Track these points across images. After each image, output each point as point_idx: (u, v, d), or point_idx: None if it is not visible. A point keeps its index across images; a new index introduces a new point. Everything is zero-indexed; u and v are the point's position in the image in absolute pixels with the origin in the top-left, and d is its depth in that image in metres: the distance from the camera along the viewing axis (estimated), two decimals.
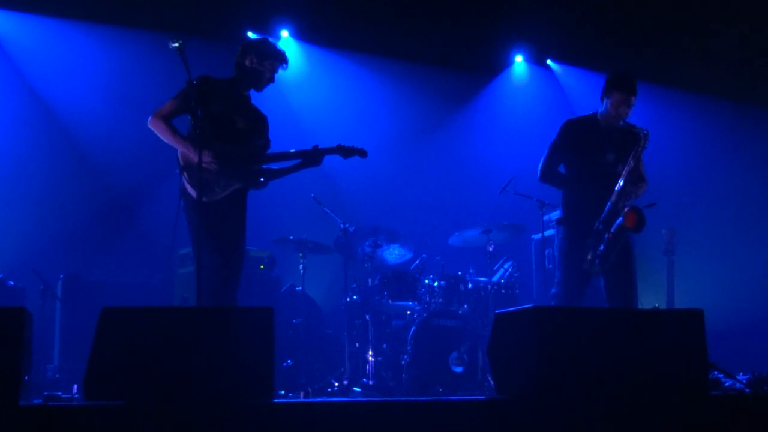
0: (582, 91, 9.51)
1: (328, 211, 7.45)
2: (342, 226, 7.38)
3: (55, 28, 8.26)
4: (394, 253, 7.74)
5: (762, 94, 8.87)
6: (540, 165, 5.68)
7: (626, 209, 5.29)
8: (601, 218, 5.38)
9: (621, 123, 5.47)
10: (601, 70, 9.33)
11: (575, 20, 8.77)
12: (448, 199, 9.24)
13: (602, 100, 5.58)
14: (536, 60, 9.89)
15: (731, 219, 8.99)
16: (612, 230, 5.32)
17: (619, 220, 5.29)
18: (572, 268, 5.51)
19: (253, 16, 8.79)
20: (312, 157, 5.31)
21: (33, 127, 8.21)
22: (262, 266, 7.54)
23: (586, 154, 5.53)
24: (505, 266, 7.72)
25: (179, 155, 4.96)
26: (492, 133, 9.80)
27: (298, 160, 5.32)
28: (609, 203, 5.37)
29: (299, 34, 9.18)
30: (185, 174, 4.93)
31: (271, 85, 5.32)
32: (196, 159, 4.73)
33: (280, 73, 5.34)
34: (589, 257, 5.40)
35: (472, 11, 8.81)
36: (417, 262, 7.59)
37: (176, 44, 4.58)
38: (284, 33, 9.11)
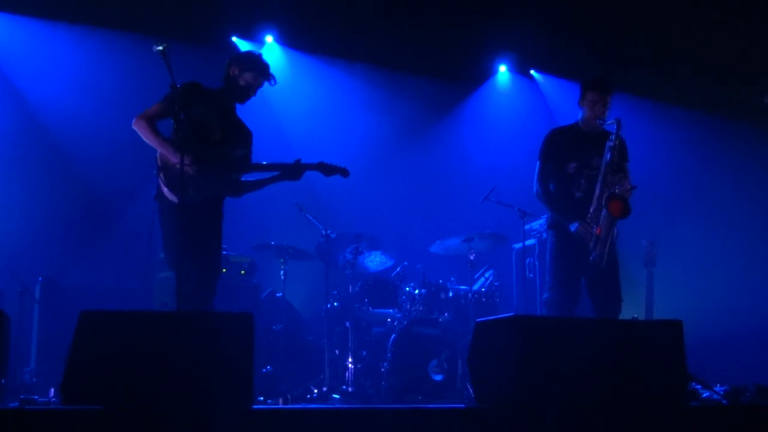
0: (564, 101, 9.54)
1: (310, 218, 7.44)
2: (324, 232, 7.38)
3: (39, 29, 8.20)
4: (375, 261, 7.74)
5: (741, 106, 8.95)
6: (536, 181, 5.67)
7: (608, 199, 5.26)
8: (589, 213, 5.39)
9: (599, 123, 5.49)
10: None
11: (558, 32, 8.82)
12: (430, 207, 9.26)
13: (580, 105, 5.64)
14: (520, 70, 9.93)
15: (711, 231, 9.05)
16: (599, 224, 5.30)
17: (604, 212, 5.27)
18: (564, 272, 5.50)
19: (238, 21, 8.79)
20: (292, 171, 5.33)
21: (13, 128, 8.14)
22: (242, 272, 7.51)
23: (573, 160, 5.55)
24: (486, 275, 7.74)
25: (158, 156, 4.99)
26: (475, 142, 9.83)
27: (278, 172, 5.33)
28: (596, 194, 5.38)
29: (284, 40, 9.18)
30: (162, 175, 4.94)
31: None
32: (174, 161, 4.78)
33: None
34: (590, 257, 5.36)
35: (456, 21, 8.84)
36: (398, 269, 7.60)
37: (160, 47, 4.58)
38: (269, 38, 9.11)
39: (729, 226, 9.04)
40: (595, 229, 5.31)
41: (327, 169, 5.50)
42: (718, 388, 5.29)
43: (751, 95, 8.61)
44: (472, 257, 7.32)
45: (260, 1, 8.53)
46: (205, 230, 5.03)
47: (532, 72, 9.93)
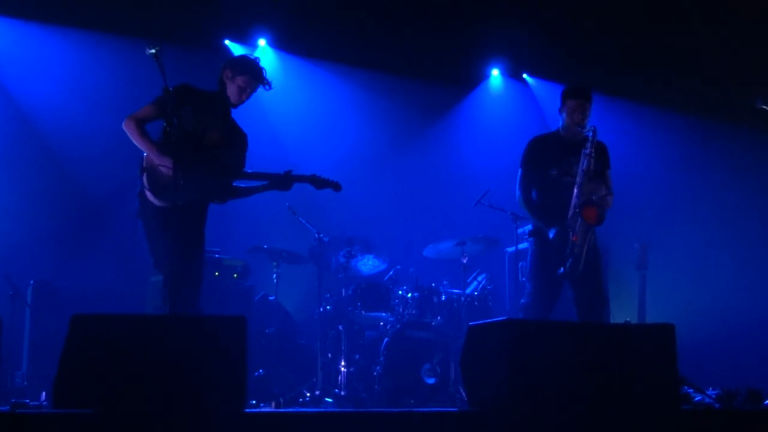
0: (557, 105, 9.55)
1: (303, 221, 7.44)
2: (316, 235, 7.37)
3: (32, 32, 8.18)
4: (368, 264, 7.74)
5: (733, 110, 8.98)
6: (517, 187, 5.76)
7: (582, 206, 5.37)
8: (567, 220, 5.45)
9: (579, 130, 5.57)
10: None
11: (551, 36, 8.84)
12: (423, 210, 9.26)
13: (560, 113, 5.75)
14: (512, 74, 9.94)
15: (703, 235, 9.07)
16: (576, 231, 5.37)
17: (579, 219, 5.37)
18: (543, 280, 5.56)
19: (232, 25, 8.78)
20: (282, 181, 5.27)
21: (5, 130, 8.12)
22: (235, 275, 7.50)
23: (554, 166, 5.63)
24: (479, 279, 7.74)
25: (144, 157, 4.98)
26: (468, 146, 9.83)
27: (267, 181, 5.28)
28: (573, 202, 5.45)
29: (277, 43, 9.17)
30: (145, 177, 4.93)
31: None
32: (157, 163, 4.83)
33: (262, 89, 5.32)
34: (564, 268, 5.42)
35: (449, 25, 8.85)
36: (391, 273, 7.59)
37: (153, 50, 4.57)
38: (262, 42, 9.09)
39: (721, 229, 9.06)
40: (571, 236, 5.38)
41: (318, 183, 5.45)
42: (710, 391, 5.30)
43: (744, 99, 8.64)
44: (464, 261, 7.33)
45: (253, 4, 8.52)
46: (186, 233, 4.96)
47: (524, 76, 9.94)
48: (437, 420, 3.78)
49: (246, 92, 5.21)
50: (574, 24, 8.69)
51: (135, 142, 5.01)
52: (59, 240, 8.06)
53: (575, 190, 5.45)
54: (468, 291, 7.43)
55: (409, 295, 7.23)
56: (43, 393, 5.75)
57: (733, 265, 8.89)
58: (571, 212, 5.43)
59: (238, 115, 5.41)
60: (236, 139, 5.28)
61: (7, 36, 8.18)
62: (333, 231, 7.66)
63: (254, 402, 6.12)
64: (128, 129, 5.00)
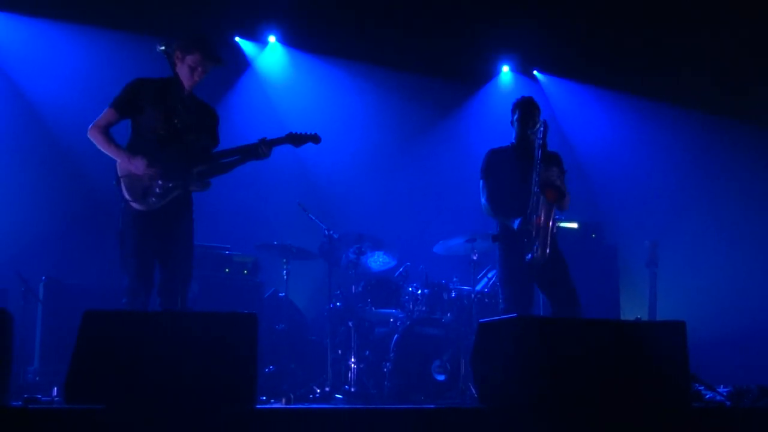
0: (567, 101, 9.54)
1: (313, 218, 7.44)
2: (326, 232, 7.38)
3: (42, 29, 8.22)
4: (378, 261, 7.74)
5: (744, 107, 8.95)
6: (482, 196, 5.88)
7: (543, 186, 5.49)
8: (530, 205, 5.52)
9: (530, 133, 5.69)
10: (587, 81, 9.40)
11: (561, 32, 8.82)
12: (433, 207, 9.25)
13: (512, 125, 5.92)
14: (522, 70, 9.93)
15: (713, 232, 9.05)
16: (538, 213, 5.47)
17: (542, 198, 5.48)
18: (515, 283, 5.64)
19: (241, 22, 8.78)
20: (258, 150, 5.12)
21: (16, 128, 8.15)
22: (245, 271, 7.51)
23: (511, 174, 5.76)
24: (489, 275, 7.72)
25: (118, 166, 4.90)
26: (478, 142, 9.80)
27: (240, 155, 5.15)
28: (533, 189, 5.52)
29: (287, 40, 9.18)
30: (123, 186, 4.85)
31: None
32: (134, 170, 4.78)
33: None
34: (532, 252, 5.49)
35: (459, 21, 8.84)
36: (401, 269, 7.59)
37: (163, 47, 4.58)
38: (272, 38, 9.10)
39: (732, 226, 9.04)
40: (535, 219, 5.49)
41: (296, 140, 5.32)
42: (721, 389, 5.29)
43: (756, 96, 8.62)
44: (475, 257, 7.31)
45: (263, 1, 8.52)
46: (175, 233, 4.91)
47: (535, 72, 9.92)
48: (447, 417, 3.78)
49: (197, 72, 4.98)
50: (586, 21, 8.66)
51: (103, 151, 4.91)
52: (71, 236, 8.08)
53: (534, 176, 5.54)
54: (478, 288, 7.42)
55: (419, 291, 7.23)
56: (55, 388, 5.76)
57: (743, 261, 8.87)
58: (533, 197, 5.52)
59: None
60: (203, 120, 5.13)
61: (16, 33, 8.21)
62: (343, 227, 7.67)
63: (264, 398, 6.14)
64: (93, 138, 4.90)
